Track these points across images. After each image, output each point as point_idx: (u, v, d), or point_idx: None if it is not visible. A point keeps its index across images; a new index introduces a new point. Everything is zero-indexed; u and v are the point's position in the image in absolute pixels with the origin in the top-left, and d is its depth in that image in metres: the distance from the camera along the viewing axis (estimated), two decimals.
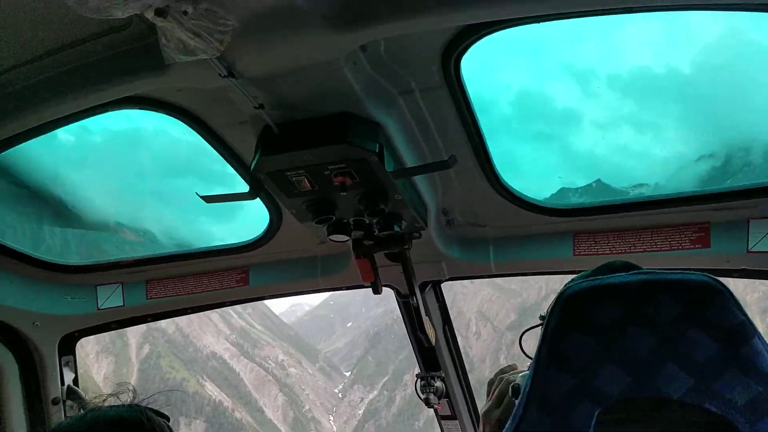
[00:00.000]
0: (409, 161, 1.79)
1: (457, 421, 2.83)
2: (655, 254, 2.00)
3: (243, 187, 1.90)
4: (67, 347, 2.73)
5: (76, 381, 2.76)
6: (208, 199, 1.76)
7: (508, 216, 2.11)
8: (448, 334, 2.65)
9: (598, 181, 2.50)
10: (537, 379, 0.89)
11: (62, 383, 2.67)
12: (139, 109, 1.81)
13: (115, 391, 1.37)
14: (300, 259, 2.42)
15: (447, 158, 1.64)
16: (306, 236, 2.25)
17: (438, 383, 2.65)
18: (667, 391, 0.81)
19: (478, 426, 2.84)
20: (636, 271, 0.88)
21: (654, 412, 0.88)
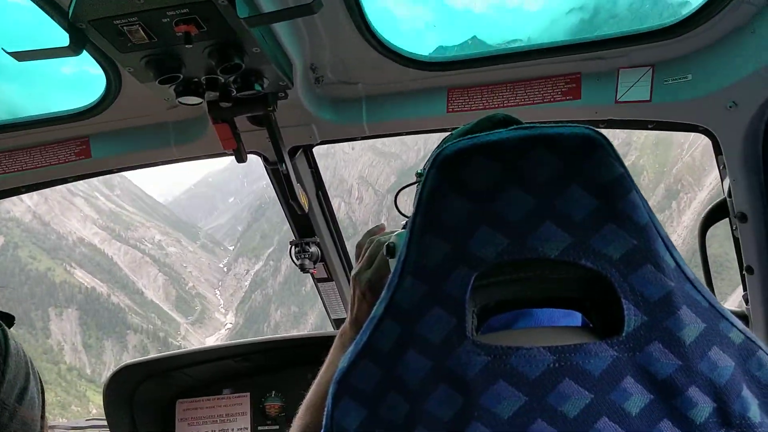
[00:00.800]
0: (267, 6, 1.54)
1: (334, 282, 2.93)
2: (528, 108, 2.00)
3: None
4: None
5: None
6: (20, 56, 1.45)
7: (382, 71, 1.99)
8: (322, 200, 2.61)
9: (474, 38, 2.46)
10: (412, 246, 0.85)
11: None
12: None
13: None
14: (149, 126, 2.19)
15: (311, 1, 1.40)
16: (153, 99, 2.00)
17: (313, 248, 2.66)
18: (543, 251, 0.80)
19: None
20: (515, 127, 0.83)
21: (531, 272, 0.88)
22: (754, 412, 0.79)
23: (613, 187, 0.79)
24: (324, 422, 0.91)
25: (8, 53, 1.44)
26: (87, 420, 2.88)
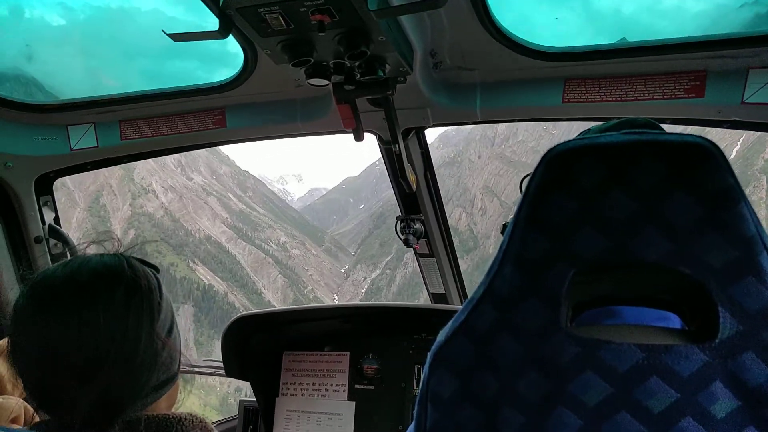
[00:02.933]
0: None
1: (434, 258, 3.11)
2: (648, 103, 2.02)
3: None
4: (44, 187, 2.86)
5: (57, 220, 2.93)
6: (176, 37, 1.71)
7: (499, 59, 2.08)
8: (429, 180, 2.77)
9: (623, 39, 2.43)
10: (514, 237, 0.91)
11: (43, 222, 2.85)
12: None
13: (99, 239, 1.43)
14: (278, 101, 2.44)
15: None
16: (284, 77, 2.25)
17: (417, 225, 2.85)
18: (642, 255, 0.84)
19: (453, 262, 3.09)
20: (627, 131, 0.87)
21: (628, 274, 0.93)
22: None
23: (721, 197, 0.80)
24: (420, 389, 1.03)
25: (167, 34, 1.69)
26: (205, 360, 3.27)
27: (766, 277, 0.80)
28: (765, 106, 1.87)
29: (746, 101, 1.89)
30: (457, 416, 0.95)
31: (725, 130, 2.09)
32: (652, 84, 2.01)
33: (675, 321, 1.00)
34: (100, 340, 1.18)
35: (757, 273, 0.80)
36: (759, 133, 2.10)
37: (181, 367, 1.43)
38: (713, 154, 0.81)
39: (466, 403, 0.94)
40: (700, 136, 0.83)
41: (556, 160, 0.88)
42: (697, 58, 1.91)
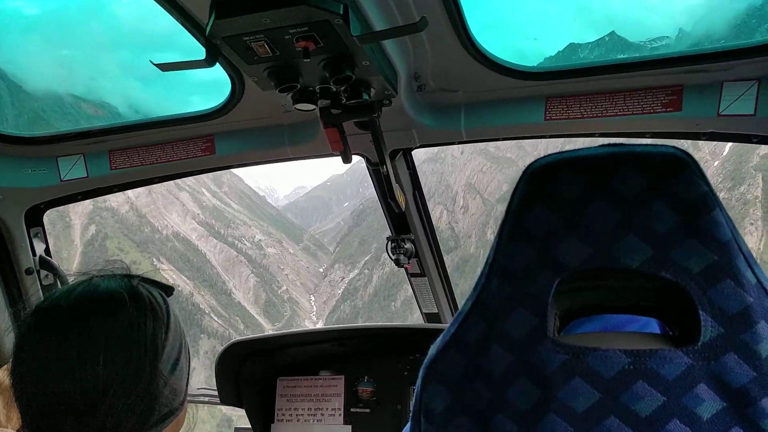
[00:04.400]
0: (377, 23, 1.78)
1: (426, 278, 3.19)
2: (627, 118, 2.12)
3: None
4: (35, 219, 2.91)
5: (48, 251, 2.99)
6: (164, 67, 1.77)
7: (481, 80, 2.18)
8: (418, 200, 2.88)
9: (612, 33, 2.48)
10: (499, 252, 0.96)
11: (33, 254, 2.91)
12: None
13: (106, 267, 1.44)
14: (266, 127, 2.53)
15: (417, 20, 1.59)
16: (271, 103, 2.33)
17: (408, 245, 2.95)
18: (625, 261, 0.88)
19: (445, 281, 3.20)
20: (603, 144, 0.93)
21: (612, 281, 0.96)
22: None
23: (697, 205, 0.85)
24: (413, 404, 1.08)
25: (154, 64, 1.76)
26: (198, 389, 3.32)
27: (744, 280, 0.85)
28: (740, 117, 1.98)
29: (722, 113, 1.99)
30: (450, 428, 0.99)
31: None
32: (630, 99, 2.10)
33: (656, 328, 1.07)
34: (99, 378, 1.20)
35: (734, 276, 0.85)
36: None
37: None
38: (687, 163, 0.86)
39: (460, 414, 0.99)
40: (674, 147, 0.89)
41: (537, 173, 0.94)
42: (674, 73, 2.02)
